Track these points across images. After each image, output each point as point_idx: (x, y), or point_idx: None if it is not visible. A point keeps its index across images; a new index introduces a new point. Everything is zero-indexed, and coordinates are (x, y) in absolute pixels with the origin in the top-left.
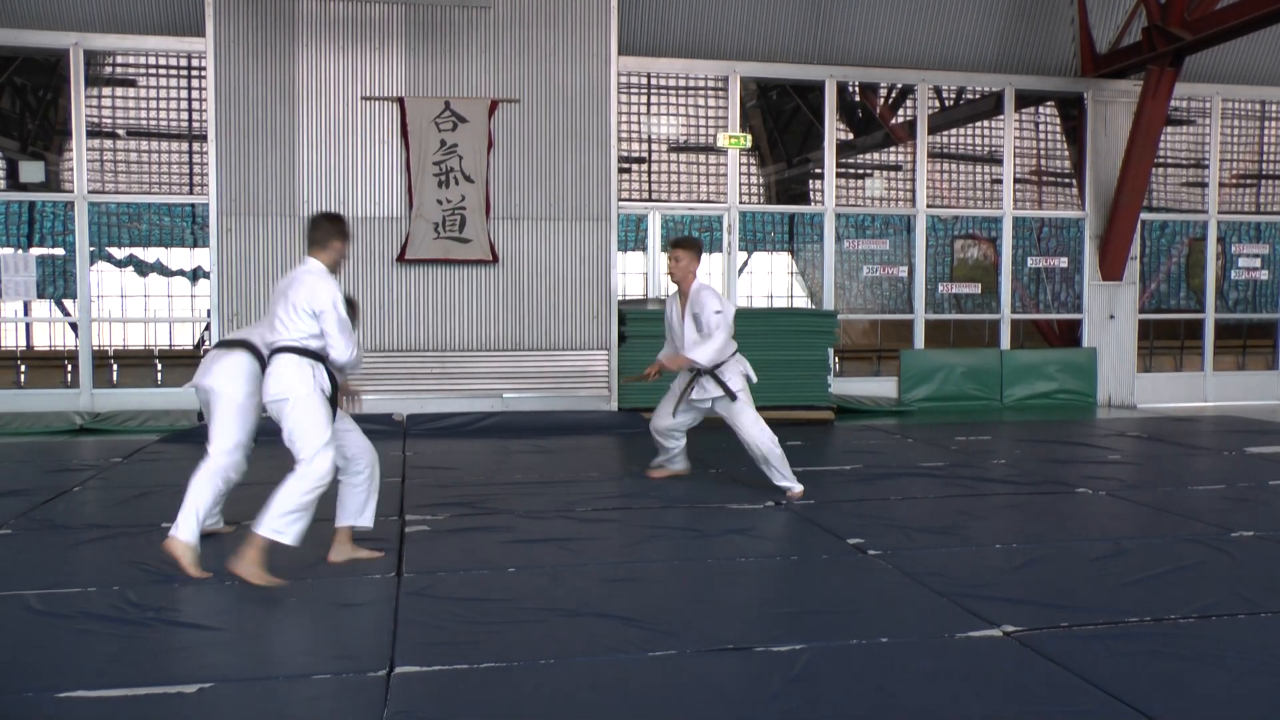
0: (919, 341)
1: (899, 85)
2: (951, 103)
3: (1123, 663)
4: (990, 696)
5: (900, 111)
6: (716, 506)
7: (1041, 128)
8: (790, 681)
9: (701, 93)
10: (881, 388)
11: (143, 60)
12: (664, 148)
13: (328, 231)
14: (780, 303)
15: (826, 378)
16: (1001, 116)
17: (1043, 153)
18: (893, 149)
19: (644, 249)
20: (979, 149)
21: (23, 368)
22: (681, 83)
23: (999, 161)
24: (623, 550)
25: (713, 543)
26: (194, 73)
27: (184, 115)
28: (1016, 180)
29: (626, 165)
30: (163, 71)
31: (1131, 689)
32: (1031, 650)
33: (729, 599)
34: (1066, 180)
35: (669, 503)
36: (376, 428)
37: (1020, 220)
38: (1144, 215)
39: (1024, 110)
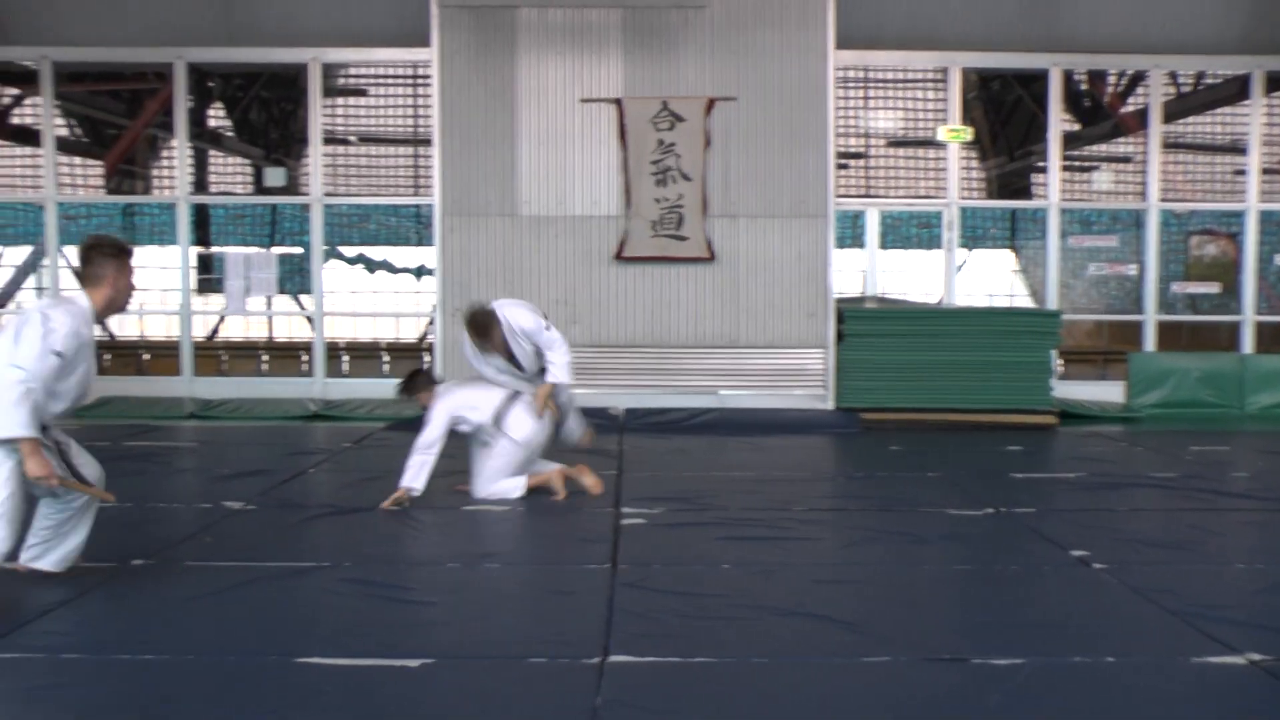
0: (1149, 344)
1: (1129, 71)
2: (1189, 88)
3: None
4: None
5: (1131, 99)
6: (934, 511)
7: None
8: (1009, 696)
9: (920, 85)
10: (1108, 392)
11: (373, 71)
12: (881, 142)
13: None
14: (1000, 302)
15: (1049, 381)
16: (1247, 102)
17: None
18: (1122, 139)
19: (861, 246)
20: (1219, 137)
21: (264, 357)
22: (899, 76)
23: (1243, 151)
24: (838, 551)
25: (929, 548)
26: (419, 81)
27: (410, 121)
28: (1264, 171)
29: (843, 161)
30: (391, 80)
31: None
32: None
33: (945, 607)
34: None
35: (885, 505)
36: (595, 422)
37: (1268, 214)
38: None
39: (1275, 95)
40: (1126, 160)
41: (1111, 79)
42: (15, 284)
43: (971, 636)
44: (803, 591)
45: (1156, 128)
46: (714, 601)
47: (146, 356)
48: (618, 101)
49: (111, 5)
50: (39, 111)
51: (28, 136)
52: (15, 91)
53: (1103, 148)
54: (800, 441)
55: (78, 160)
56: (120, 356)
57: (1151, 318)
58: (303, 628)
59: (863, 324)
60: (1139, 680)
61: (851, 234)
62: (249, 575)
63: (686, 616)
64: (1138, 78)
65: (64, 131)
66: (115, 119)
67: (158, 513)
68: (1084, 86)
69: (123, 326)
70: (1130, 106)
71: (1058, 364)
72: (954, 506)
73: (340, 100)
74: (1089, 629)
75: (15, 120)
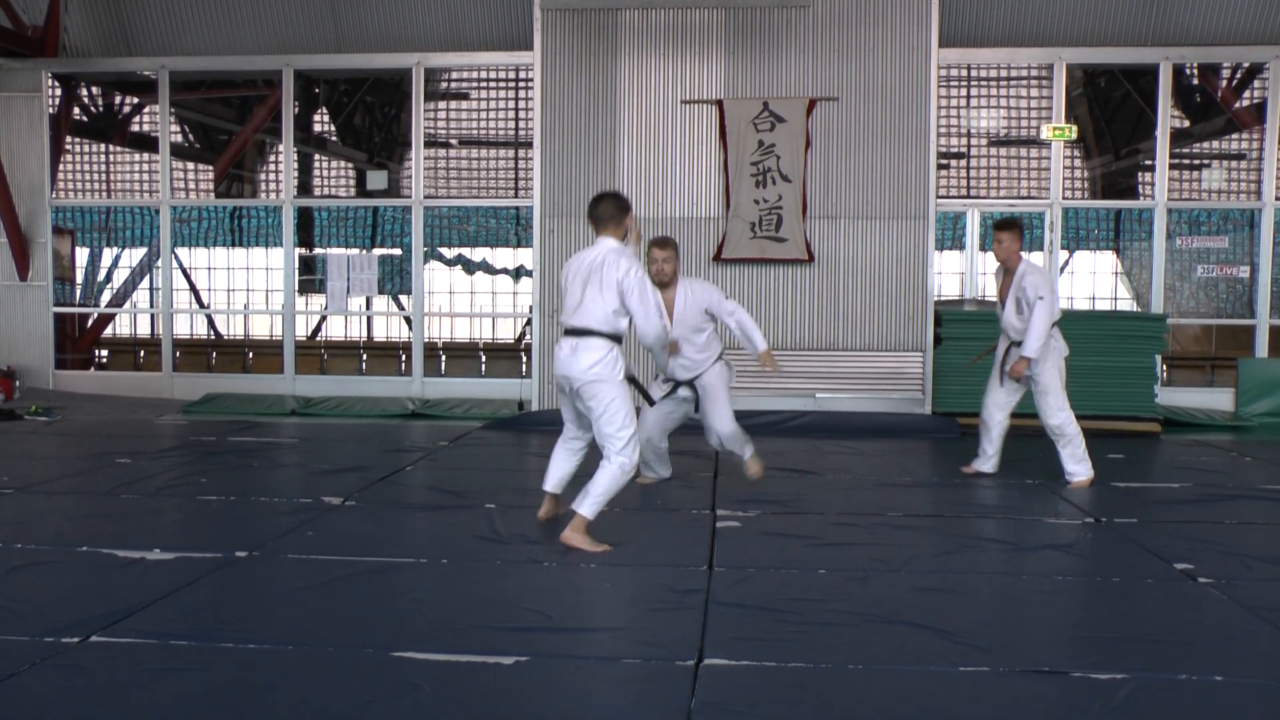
0: (1261, 349)
1: (1245, 64)
2: None
3: None
4: None
5: (1246, 94)
6: (1033, 519)
7: None
8: (1110, 712)
9: (1023, 82)
10: (1215, 399)
11: (475, 75)
12: (983, 142)
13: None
14: (1103, 305)
15: (1153, 387)
16: None
17: None
18: (1235, 136)
19: (961, 248)
20: None
21: (364, 356)
22: (1003, 73)
23: None
24: (935, 559)
25: (1029, 557)
26: (521, 84)
27: (511, 124)
28: None
29: (944, 161)
30: (493, 84)
31: None
32: None
33: (1045, 618)
34: None
35: (983, 513)
36: (692, 422)
37: None
38: None
39: None
40: (1240, 157)
41: (1225, 72)
42: (132, 283)
43: (1071, 649)
44: (899, 598)
45: (1275, 122)
46: (810, 606)
47: (251, 355)
48: (719, 103)
49: (225, 16)
50: (156, 119)
51: (145, 143)
52: (135, 100)
53: (1214, 145)
54: (897, 446)
55: (190, 165)
56: (225, 354)
57: (1264, 322)
58: (400, 622)
59: (961, 327)
60: (1249, 702)
61: (951, 235)
62: (348, 569)
63: (783, 621)
64: (1254, 70)
65: (178, 138)
66: (226, 125)
67: (261, 506)
68: (1195, 81)
69: (229, 325)
70: (1245, 101)
71: (1162, 370)
72: (1053, 515)
73: (442, 104)
74: (1195, 646)
75: (134, 128)
